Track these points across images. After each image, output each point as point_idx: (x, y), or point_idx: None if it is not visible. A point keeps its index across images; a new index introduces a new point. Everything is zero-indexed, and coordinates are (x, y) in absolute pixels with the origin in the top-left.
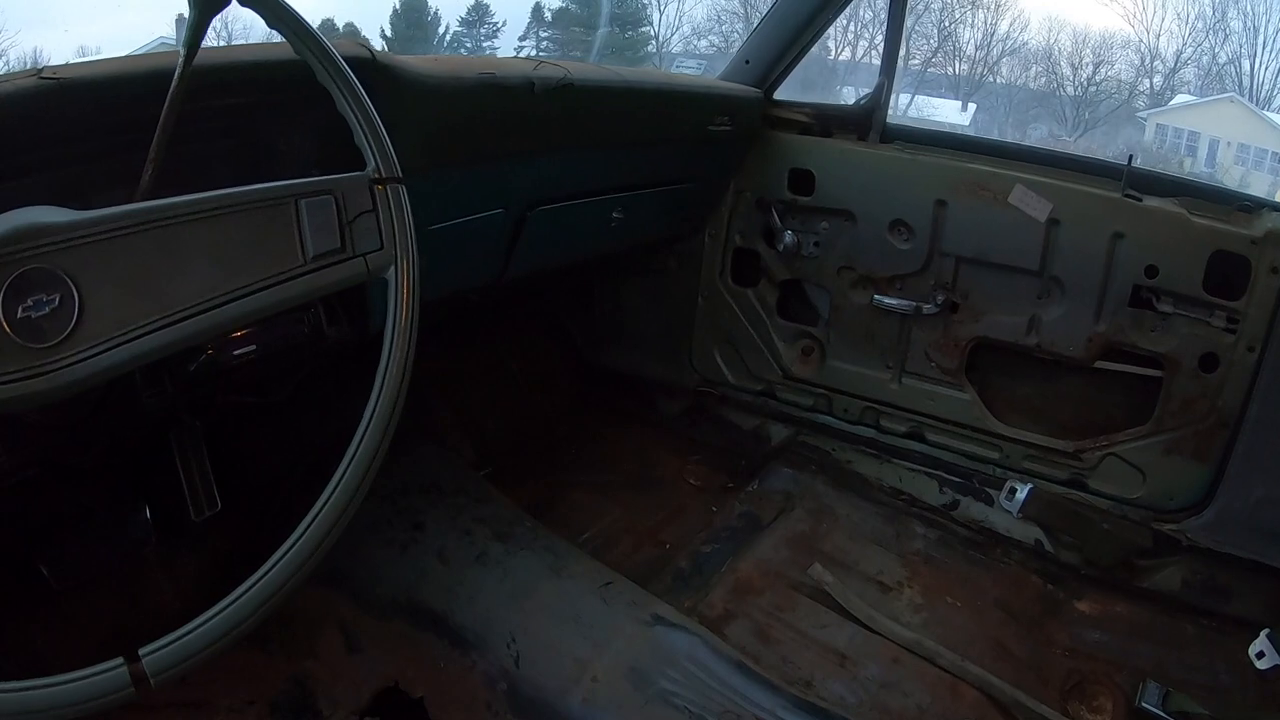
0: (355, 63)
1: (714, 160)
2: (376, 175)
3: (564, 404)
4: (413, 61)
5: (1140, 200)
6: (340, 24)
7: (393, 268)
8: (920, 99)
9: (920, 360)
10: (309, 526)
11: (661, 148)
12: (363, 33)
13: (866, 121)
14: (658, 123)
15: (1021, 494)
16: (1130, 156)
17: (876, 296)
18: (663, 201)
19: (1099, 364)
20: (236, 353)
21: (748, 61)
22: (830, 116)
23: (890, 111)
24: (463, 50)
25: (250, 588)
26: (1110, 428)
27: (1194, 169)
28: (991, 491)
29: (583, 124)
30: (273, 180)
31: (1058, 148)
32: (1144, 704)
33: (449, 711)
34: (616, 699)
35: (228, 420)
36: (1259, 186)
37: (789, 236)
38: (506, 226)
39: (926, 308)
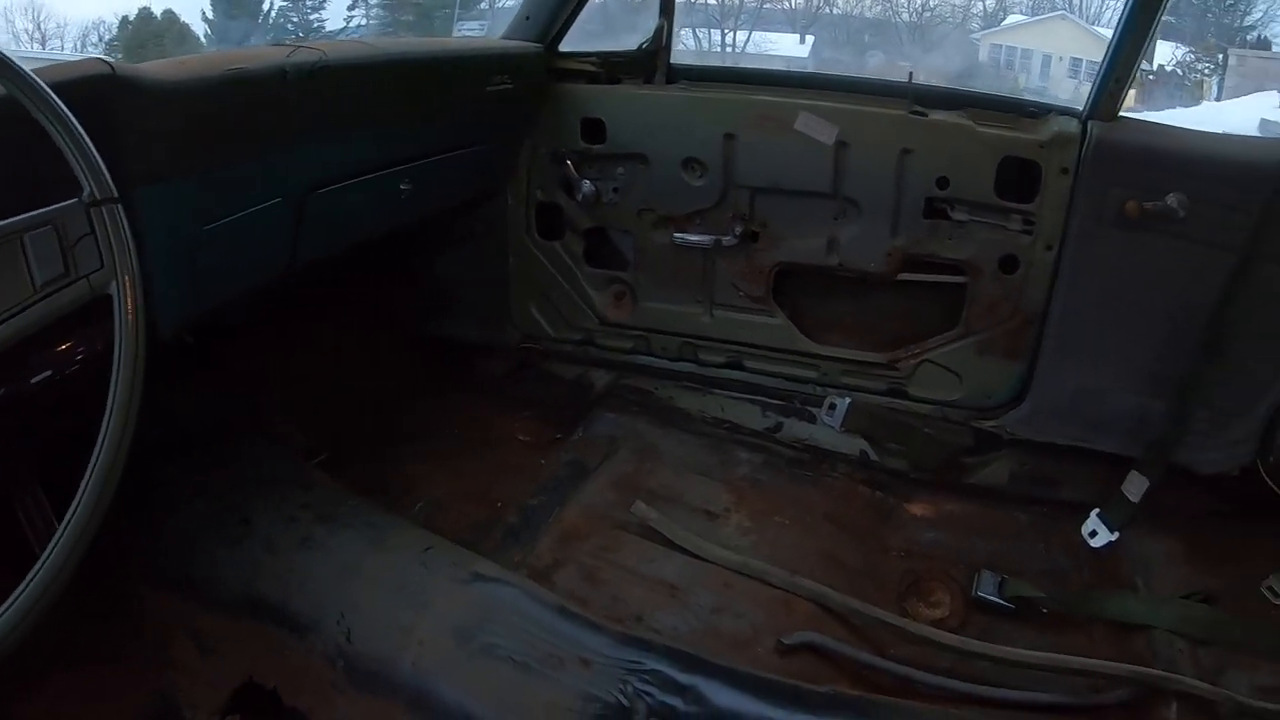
0: (95, 80)
1: (501, 120)
2: (92, 199)
3: (393, 380)
4: (155, 68)
5: (926, 115)
6: (159, 10)
7: (114, 283)
8: (758, 35)
9: (728, 291)
10: (51, 551)
11: (441, 115)
12: (183, 18)
13: (652, 64)
14: (430, 91)
15: (841, 408)
16: (910, 74)
17: (677, 234)
18: (453, 167)
19: (902, 276)
20: (33, 380)
21: (528, 18)
22: (616, 63)
23: (729, 49)
24: (289, 26)
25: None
26: (922, 336)
27: (1027, 84)
28: (813, 410)
29: (348, 104)
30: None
31: (896, 76)
32: (980, 594)
33: (299, 696)
34: (443, 658)
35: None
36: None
37: (587, 186)
38: (287, 215)
39: (726, 240)
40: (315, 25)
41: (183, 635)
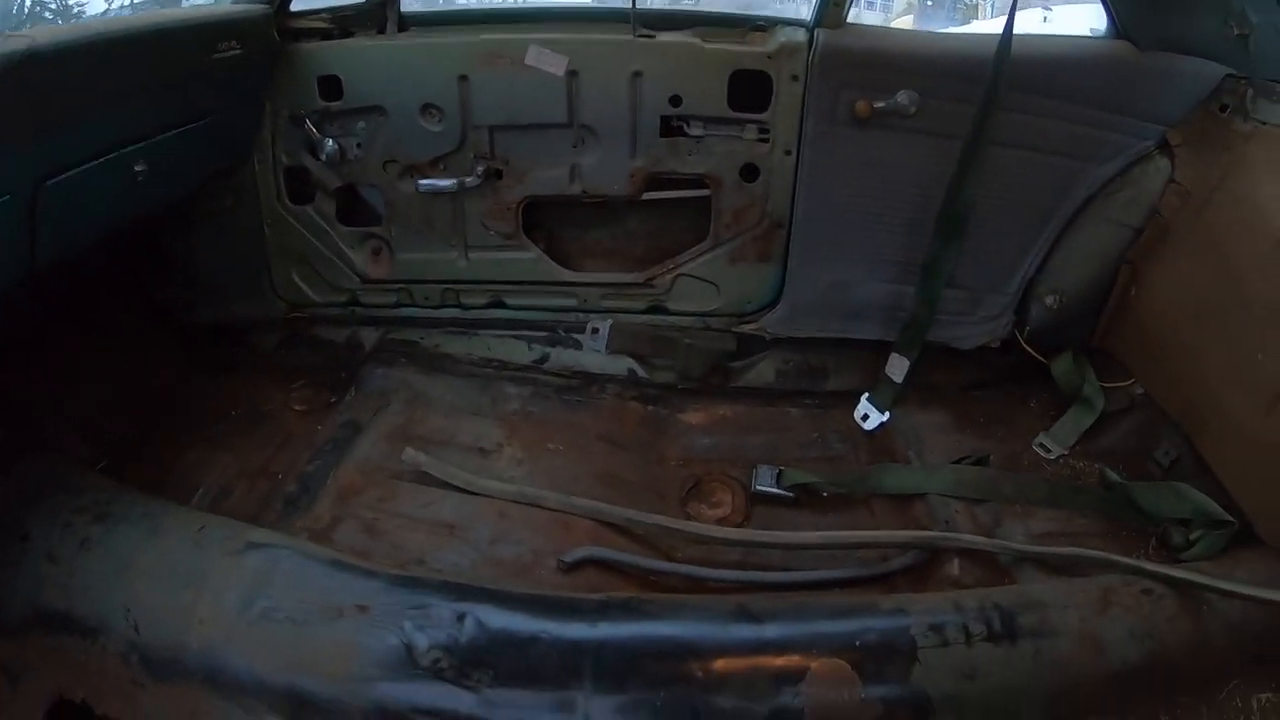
0: None
1: (233, 87)
2: None
3: (164, 371)
4: None
5: (653, 37)
6: None
7: None
8: None
9: (479, 232)
10: None
11: (168, 90)
12: None
13: (383, 15)
14: (153, 66)
15: (604, 331)
16: (634, 1)
17: (421, 181)
18: (190, 141)
19: (648, 196)
20: None
21: None
22: (348, 16)
23: None
24: (47, 14)
25: None
26: (675, 251)
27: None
28: (577, 337)
29: (68, 88)
30: None
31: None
32: (759, 487)
33: (107, 701)
34: (225, 632)
35: None
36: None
37: (330, 145)
38: (18, 212)
39: (469, 181)
40: (74, 10)
41: None
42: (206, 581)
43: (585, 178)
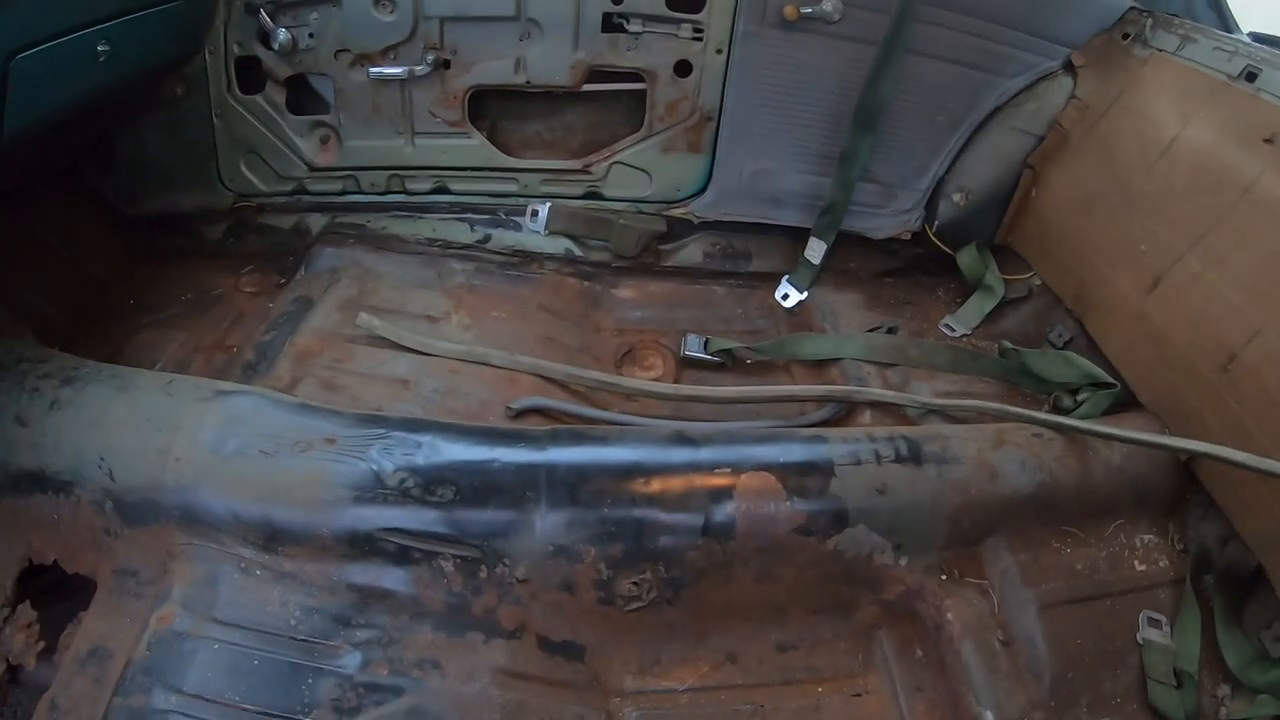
0: None
1: None
2: None
3: (110, 262)
4: None
5: None
6: None
7: None
8: None
9: (426, 119)
10: None
11: None
12: None
13: None
14: None
15: (543, 213)
16: None
17: (372, 69)
18: (151, 25)
19: (588, 87)
20: None
21: None
22: None
23: None
24: None
25: None
26: (611, 141)
27: None
28: (517, 219)
29: None
30: None
31: None
32: (688, 352)
33: (80, 557)
34: (199, 469)
35: None
36: None
37: (283, 34)
38: None
39: (419, 70)
40: None
41: None
42: (181, 424)
43: (530, 69)
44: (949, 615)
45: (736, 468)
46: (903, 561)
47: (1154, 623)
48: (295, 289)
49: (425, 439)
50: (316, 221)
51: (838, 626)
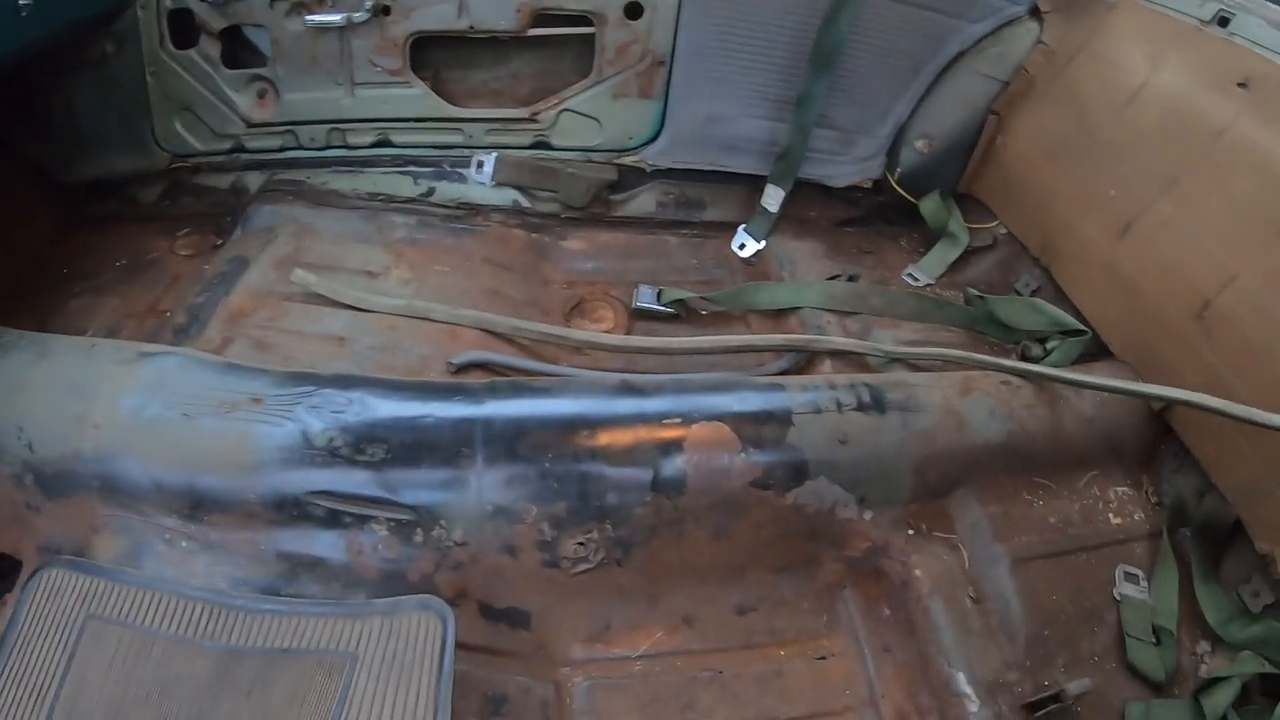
0: None
1: None
2: None
3: (45, 230)
4: None
5: None
6: None
7: None
8: None
9: (366, 69)
10: None
11: None
12: None
13: None
14: None
15: (489, 164)
16: None
17: (309, 17)
18: None
19: (534, 32)
20: None
21: None
22: None
23: None
24: None
25: None
26: (560, 87)
27: None
28: (462, 171)
29: None
30: None
31: None
32: (640, 304)
33: (2, 534)
34: (120, 435)
35: None
36: None
37: None
38: None
39: (358, 16)
40: None
41: None
42: (100, 389)
43: (473, 13)
44: (917, 572)
45: (687, 418)
46: (867, 515)
47: (1131, 578)
48: (231, 249)
49: (355, 396)
50: (255, 180)
51: (800, 586)
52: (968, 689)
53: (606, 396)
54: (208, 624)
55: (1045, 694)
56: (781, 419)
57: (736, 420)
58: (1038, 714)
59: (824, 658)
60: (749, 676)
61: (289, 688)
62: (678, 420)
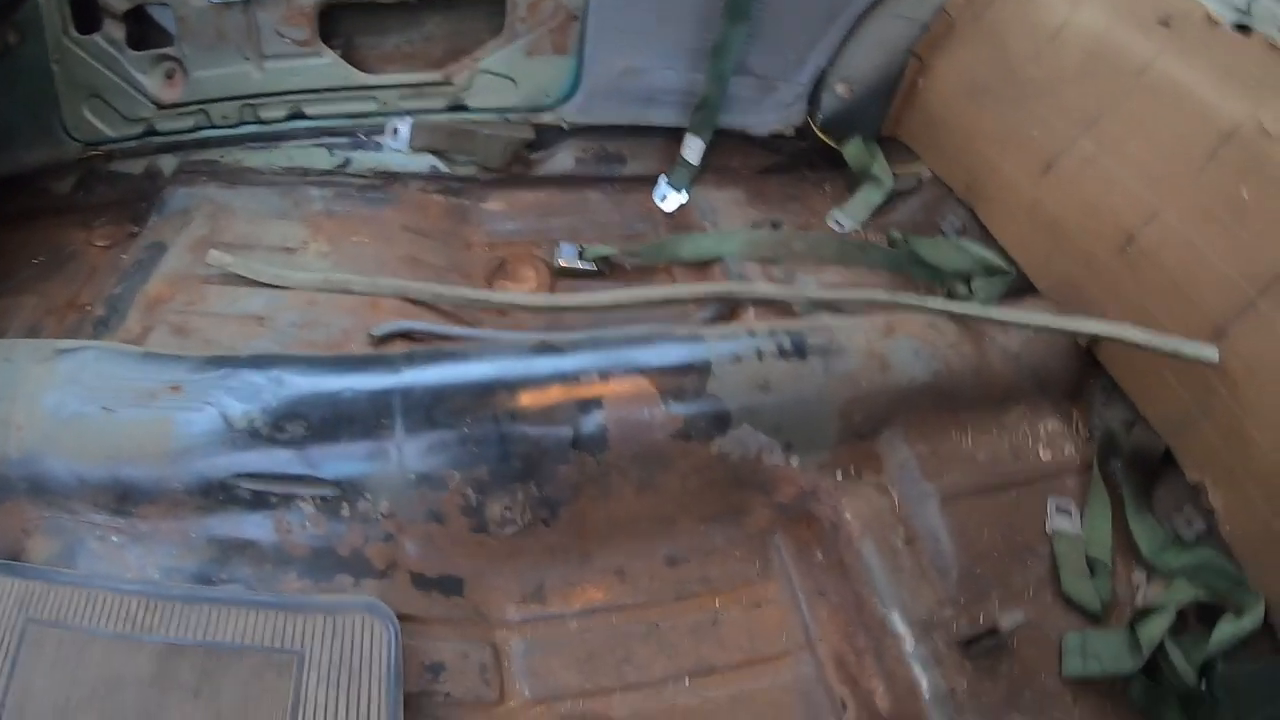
0: None
1: None
2: None
3: None
4: None
5: None
6: None
7: None
8: None
9: (275, 41)
10: None
11: None
12: None
13: None
14: None
15: (405, 130)
16: None
17: None
18: None
19: None
20: None
21: None
22: None
23: None
24: None
25: None
26: (473, 48)
27: None
28: (378, 139)
29: None
30: None
31: None
32: (562, 262)
33: None
34: (41, 434)
35: None
36: None
37: None
38: None
39: None
40: None
41: None
42: (20, 390)
43: None
44: (847, 515)
45: (605, 374)
46: (794, 461)
47: (1063, 511)
48: (147, 236)
49: (273, 375)
50: (169, 163)
51: (730, 534)
52: (903, 628)
53: (523, 357)
54: (145, 618)
55: (980, 629)
56: (701, 369)
57: (655, 373)
58: (974, 649)
59: (759, 605)
60: (684, 627)
61: (238, 688)
62: (595, 376)
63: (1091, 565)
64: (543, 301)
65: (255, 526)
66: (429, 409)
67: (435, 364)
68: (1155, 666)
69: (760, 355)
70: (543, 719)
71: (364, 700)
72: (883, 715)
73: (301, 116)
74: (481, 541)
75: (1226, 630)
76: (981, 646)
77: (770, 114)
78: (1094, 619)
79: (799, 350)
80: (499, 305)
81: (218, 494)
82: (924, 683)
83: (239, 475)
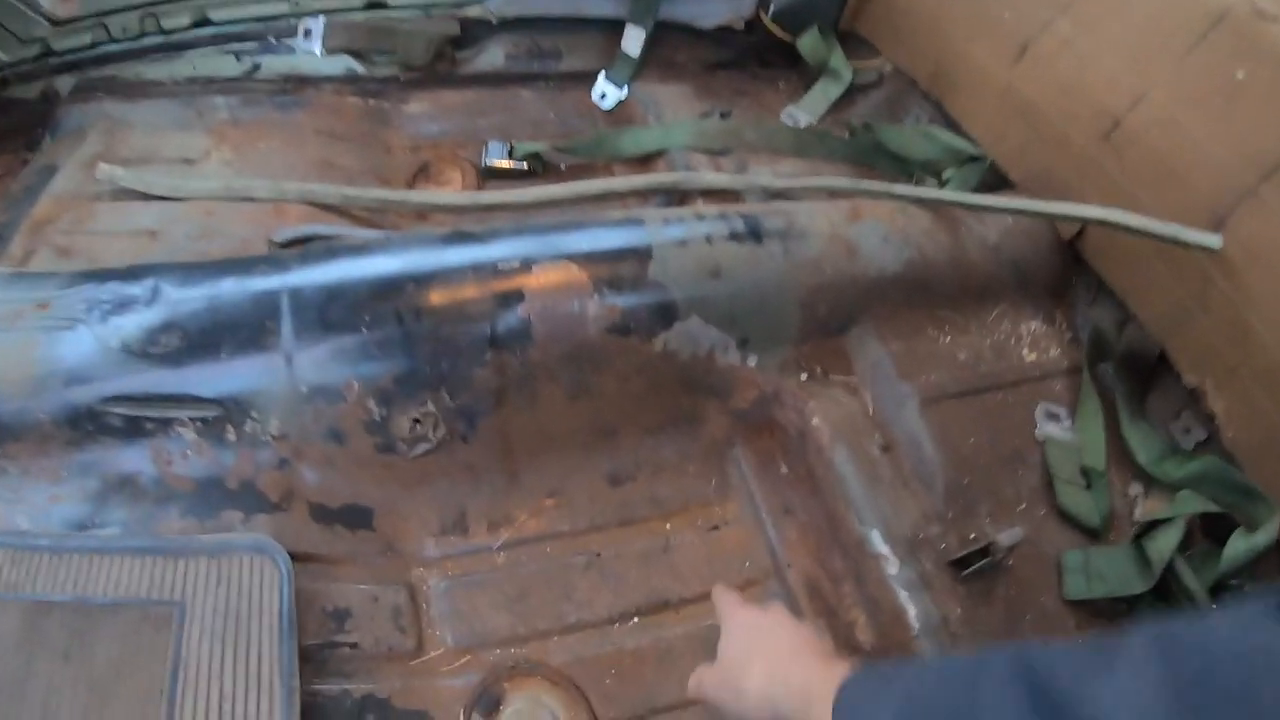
0: None
1: None
2: None
3: None
4: None
5: None
6: None
7: None
8: None
9: None
10: None
11: None
12: None
13: None
14: None
15: (317, 29)
16: None
17: None
18: None
19: None
20: None
21: None
22: None
23: None
24: None
25: None
26: None
27: None
28: (290, 41)
29: None
30: None
31: None
32: (490, 161)
33: None
34: None
35: None
36: None
37: None
38: None
39: None
40: None
41: None
42: None
43: None
44: (814, 420)
45: (528, 261)
46: (751, 360)
47: (1052, 417)
48: (39, 159)
49: (148, 284)
50: (67, 84)
51: (682, 446)
52: (884, 548)
53: (434, 247)
54: (9, 572)
55: (973, 548)
56: (641, 254)
57: (586, 259)
58: (967, 571)
59: (716, 527)
60: (631, 556)
61: (112, 647)
62: (516, 264)
63: (1087, 475)
64: (466, 200)
65: (132, 459)
66: (321, 309)
67: (331, 260)
68: (1162, 587)
69: (710, 240)
70: (468, 670)
71: (253, 654)
72: (865, 650)
73: (207, 23)
74: (390, 464)
75: (1240, 546)
76: (976, 568)
77: (719, 5)
78: (1093, 535)
79: (754, 233)
80: (417, 207)
81: (87, 424)
82: (912, 611)
83: (108, 399)
